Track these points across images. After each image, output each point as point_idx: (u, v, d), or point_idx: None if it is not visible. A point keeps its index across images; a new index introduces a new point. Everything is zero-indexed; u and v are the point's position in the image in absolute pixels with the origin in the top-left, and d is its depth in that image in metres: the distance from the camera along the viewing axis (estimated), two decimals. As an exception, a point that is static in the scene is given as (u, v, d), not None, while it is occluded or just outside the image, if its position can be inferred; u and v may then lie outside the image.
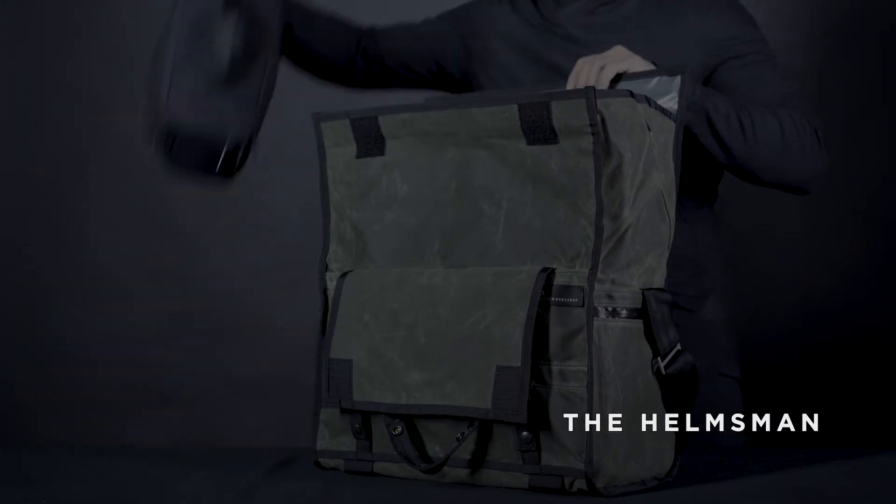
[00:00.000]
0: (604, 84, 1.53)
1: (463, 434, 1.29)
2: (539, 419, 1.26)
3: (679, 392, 1.33)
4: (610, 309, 1.27)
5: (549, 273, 1.27)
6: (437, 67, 1.91)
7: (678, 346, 1.32)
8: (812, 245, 2.55)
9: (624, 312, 1.28)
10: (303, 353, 2.66)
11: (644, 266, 1.31)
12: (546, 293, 1.26)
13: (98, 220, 2.75)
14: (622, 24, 1.75)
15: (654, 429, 1.31)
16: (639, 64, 1.55)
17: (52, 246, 2.75)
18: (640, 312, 1.30)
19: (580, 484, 1.25)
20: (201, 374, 2.72)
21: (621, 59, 1.55)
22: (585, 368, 1.25)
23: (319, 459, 1.44)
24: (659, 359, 1.31)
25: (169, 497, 1.31)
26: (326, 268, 1.45)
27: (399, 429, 1.34)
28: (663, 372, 1.31)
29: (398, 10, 2.68)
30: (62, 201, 2.75)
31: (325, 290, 1.44)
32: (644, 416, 1.30)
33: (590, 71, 1.55)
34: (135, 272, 2.73)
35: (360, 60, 1.93)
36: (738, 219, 2.41)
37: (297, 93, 2.71)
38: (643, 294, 1.31)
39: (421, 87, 1.94)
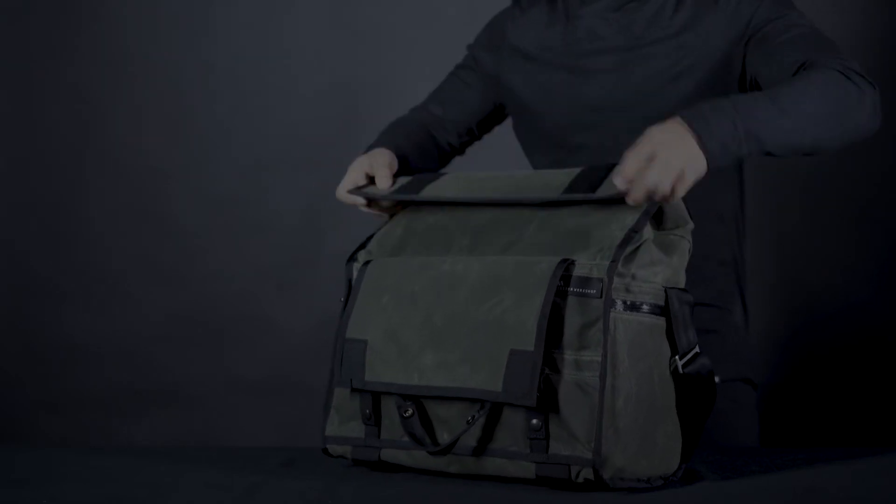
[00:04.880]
0: (678, 198, 1.36)
1: (473, 417, 1.30)
2: (550, 406, 1.27)
3: (694, 395, 1.33)
4: (628, 302, 1.28)
5: (568, 264, 1.29)
6: (500, 113, 1.87)
7: (697, 349, 1.33)
8: (812, 245, 2.55)
9: (645, 307, 1.30)
10: (303, 354, 2.67)
11: (668, 264, 1.33)
12: (565, 283, 1.28)
13: (98, 220, 2.75)
14: (650, 21, 1.69)
15: (668, 428, 1.31)
16: (699, 160, 1.35)
17: (52, 246, 2.75)
18: (664, 310, 1.31)
19: (586, 473, 1.25)
20: (201, 374, 2.72)
21: (688, 161, 1.34)
22: (600, 358, 1.26)
23: (327, 446, 1.45)
24: (677, 357, 1.31)
25: (169, 497, 1.31)
26: (355, 260, 1.49)
27: (410, 411, 1.35)
28: (680, 371, 1.31)
29: (398, 11, 2.69)
30: (62, 201, 2.75)
31: (349, 280, 1.47)
32: (658, 413, 1.30)
33: (661, 183, 1.32)
34: (135, 272, 2.73)
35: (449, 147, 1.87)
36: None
37: (297, 94, 2.72)
38: (666, 292, 1.31)
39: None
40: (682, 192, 1.33)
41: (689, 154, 1.34)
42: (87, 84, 2.74)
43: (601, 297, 1.27)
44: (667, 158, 1.32)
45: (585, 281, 1.28)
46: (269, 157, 2.71)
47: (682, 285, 1.35)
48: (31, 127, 2.76)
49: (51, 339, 2.75)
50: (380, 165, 1.59)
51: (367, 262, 1.45)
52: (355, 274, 1.47)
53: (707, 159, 1.35)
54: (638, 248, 1.31)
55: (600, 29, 1.71)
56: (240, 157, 2.72)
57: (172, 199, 2.73)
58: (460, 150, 1.86)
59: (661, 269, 1.32)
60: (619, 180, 1.32)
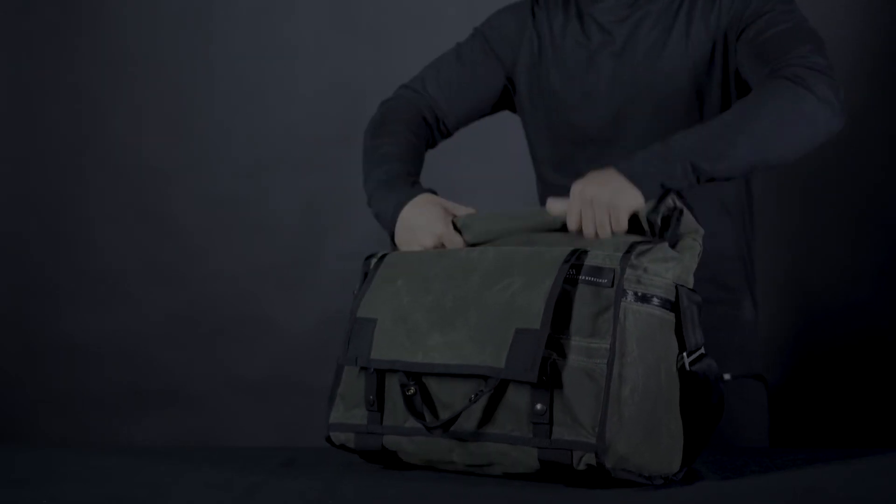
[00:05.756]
0: (622, 229, 1.40)
1: (476, 395, 1.31)
2: (555, 389, 1.28)
3: (699, 395, 1.33)
4: (639, 294, 1.30)
5: (580, 253, 1.32)
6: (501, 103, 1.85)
7: (703, 350, 1.34)
8: (812, 245, 2.55)
9: (655, 300, 1.31)
10: (303, 354, 2.67)
11: (679, 261, 1.34)
12: (577, 272, 1.31)
13: (98, 221, 2.75)
14: (659, 18, 1.70)
15: (672, 426, 1.31)
16: (628, 190, 1.41)
17: (52, 246, 2.75)
18: (673, 306, 1.33)
19: (589, 459, 1.26)
20: (201, 374, 2.72)
21: (614, 192, 1.40)
22: (608, 346, 1.27)
23: (330, 434, 1.45)
24: (685, 354, 1.32)
25: (169, 497, 1.31)
26: (373, 256, 1.50)
27: (412, 389, 1.36)
28: (687, 367, 1.32)
29: (399, 15, 2.69)
30: (62, 201, 2.75)
31: (365, 273, 1.49)
32: (664, 408, 1.31)
33: (597, 219, 1.40)
34: (135, 272, 2.73)
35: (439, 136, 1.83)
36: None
37: (297, 94, 2.72)
38: (676, 288, 1.33)
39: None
40: (618, 224, 1.38)
41: (616, 187, 1.40)
42: (87, 84, 2.74)
43: (612, 286, 1.29)
44: (595, 195, 1.39)
45: (598, 270, 1.30)
46: (269, 157, 2.71)
47: (691, 286, 1.36)
48: (31, 127, 2.76)
49: (51, 339, 2.75)
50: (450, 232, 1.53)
51: (384, 255, 1.48)
52: (371, 268, 1.49)
53: (639, 189, 1.40)
54: (655, 243, 1.34)
55: (609, 26, 1.73)
56: (240, 157, 2.72)
57: (172, 199, 2.73)
58: (450, 134, 1.83)
59: (672, 266, 1.33)
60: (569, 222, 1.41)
